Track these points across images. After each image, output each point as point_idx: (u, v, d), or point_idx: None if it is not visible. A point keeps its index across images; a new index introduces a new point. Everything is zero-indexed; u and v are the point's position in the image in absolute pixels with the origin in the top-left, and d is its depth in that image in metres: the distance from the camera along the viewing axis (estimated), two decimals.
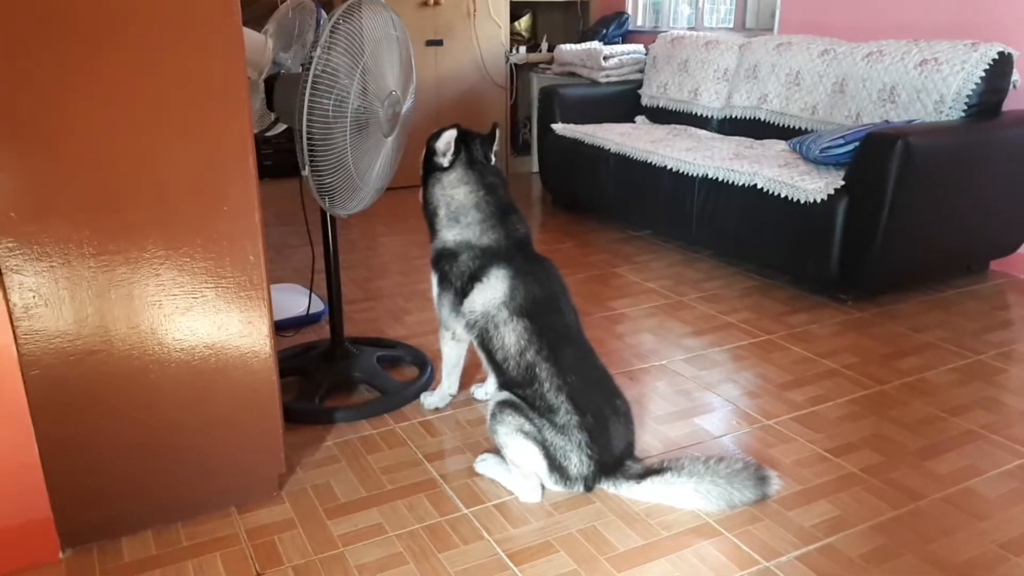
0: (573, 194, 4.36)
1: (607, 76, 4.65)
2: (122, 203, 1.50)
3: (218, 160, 1.56)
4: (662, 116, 4.43)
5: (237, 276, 1.64)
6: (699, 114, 4.21)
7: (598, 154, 3.98)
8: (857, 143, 2.88)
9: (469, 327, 1.95)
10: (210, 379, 1.68)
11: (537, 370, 1.82)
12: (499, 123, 2.13)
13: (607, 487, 1.84)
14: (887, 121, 3.15)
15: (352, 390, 2.33)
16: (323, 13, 2.39)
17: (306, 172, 1.94)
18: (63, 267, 1.48)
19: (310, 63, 1.90)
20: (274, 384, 1.75)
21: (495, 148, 2.04)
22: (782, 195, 3.04)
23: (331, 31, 1.92)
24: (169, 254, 1.57)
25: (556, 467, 1.80)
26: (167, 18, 1.45)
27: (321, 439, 2.09)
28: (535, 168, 5.08)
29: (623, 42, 5.02)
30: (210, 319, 1.64)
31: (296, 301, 2.86)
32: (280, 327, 2.72)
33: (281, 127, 2.40)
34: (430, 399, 2.23)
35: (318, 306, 2.83)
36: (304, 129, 1.92)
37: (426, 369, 2.39)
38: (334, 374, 2.30)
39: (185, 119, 1.52)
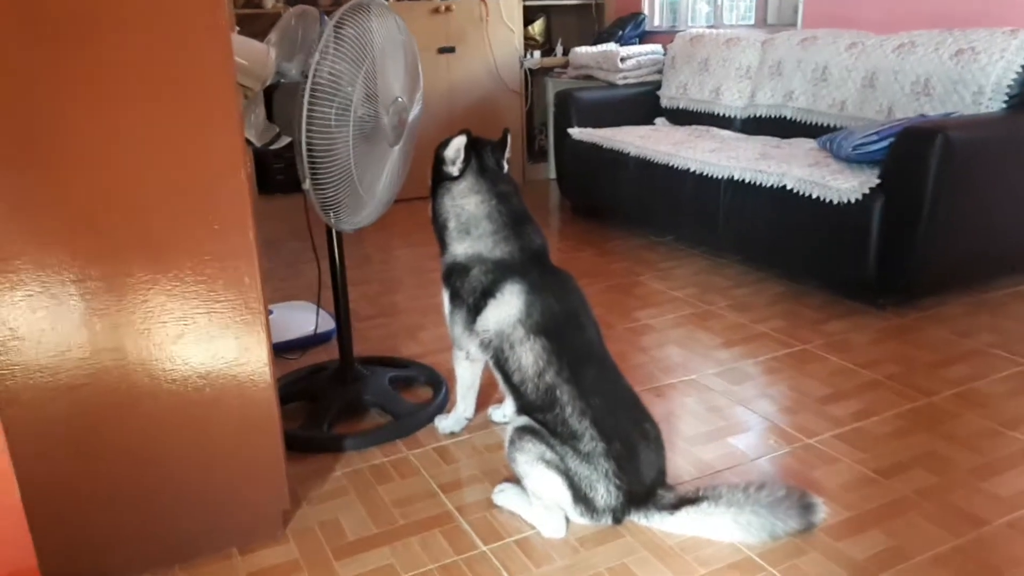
0: (592, 200, 4.22)
1: (624, 78, 4.51)
2: (103, 225, 1.39)
3: (206, 176, 1.44)
4: (683, 117, 4.27)
5: (231, 299, 1.52)
6: (721, 114, 4.06)
7: (617, 158, 3.84)
8: (892, 139, 2.72)
9: (483, 346, 1.82)
10: (206, 412, 1.56)
11: (558, 393, 1.68)
12: (511, 129, 2.01)
13: (637, 519, 1.69)
14: (923, 115, 2.98)
15: (363, 414, 2.20)
16: (327, 20, 2.28)
17: (307, 185, 1.82)
18: (41, 295, 1.37)
19: (309, 70, 1.78)
20: (275, 415, 1.63)
21: (507, 155, 1.91)
22: (813, 196, 2.88)
23: (331, 36, 1.80)
24: (156, 278, 1.45)
25: (581, 498, 1.65)
26: (147, 27, 1.34)
27: (329, 469, 1.96)
28: (552, 175, 4.95)
29: (640, 43, 4.87)
30: (203, 347, 1.52)
31: (306, 319, 2.74)
32: (288, 348, 2.61)
33: (286, 140, 2.29)
34: (445, 423, 2.10)
35: (328, 324, 2.71)
36: (304, 140, 1.80)
37: (441, 389, 2.26)
38: (343, 398, 2.17)
39: (169, 134, 1.40)
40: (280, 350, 2.59)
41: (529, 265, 1.80)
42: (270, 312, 2.75)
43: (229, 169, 1.46)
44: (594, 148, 4.01)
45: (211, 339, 1.52)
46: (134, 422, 1.50)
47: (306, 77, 1.79)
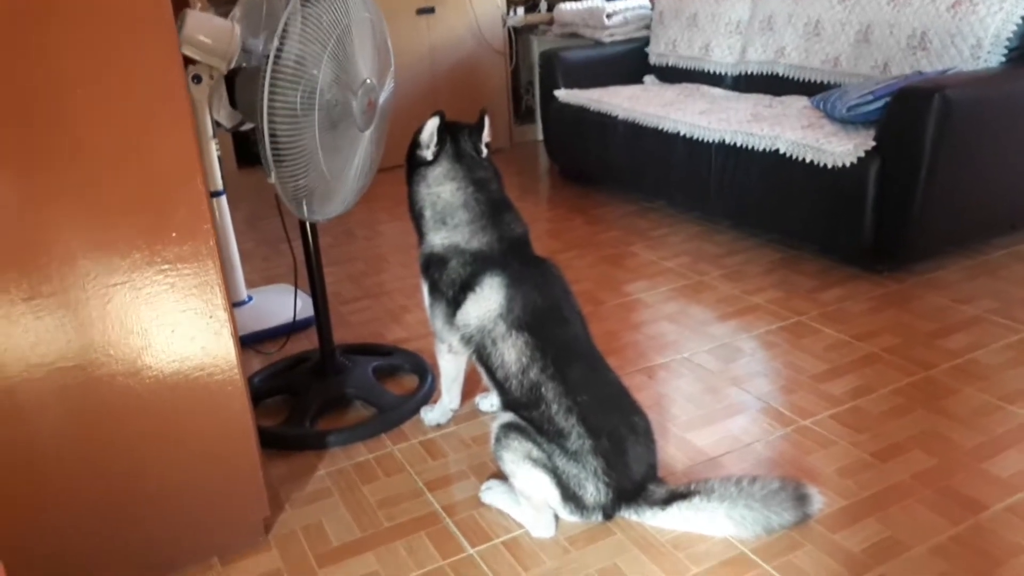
0: (581, 164, 4.10)
1: (611, 35, 4.36)
2: (52, 238, 1.30)
3: (158, 183, 1.36)
4: (672, 75, 4.14)
5: (194, 307, 1.45)
6: (712, 71, 3.93)
7: (605, 121, 3.72)
8: (888, 99, 2.62)
9: (465, 341, 1.75)
10: (177, 424, 1.50)
11: (543, 390, 1.62)
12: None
13: (628, 515, 1.64)
14: (919, 72, 2.87)
15: (346, 407, 2.14)
16: None
17: (272, 179, 1.73)
18: None
19: (270, 53, 1.68)
20: (249, 424, 1.57)
21: (486, 139, 1.82)
22: (807, 159, 2.78)
23: (290, 16, 1.69)
24: (113, 291, 1.37)
25: (570, 496, 1.60)
26: (81, 28, 1.24)
27: (313, 468, 1.91)
28: (541, 136, 4.82)
29: None
30: (169, 359, 1.45)
31: (288, 304, 2.66)
32: (269, 336, 2.54)
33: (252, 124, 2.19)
34: (431, 415, 2.04)
35: (311, 309, 2.64)
36: (267, 128, 1.70)
37: (426, 378, 2.20)
38: (325, 391, 2.11)
39: (114, 140, 1.31)
40: (260, 339, 2.52)
41: (509, 256, 1.73)
42: (249, 299, 2.68)
43: (183, 174, 1.37)
44: (581, 111, 3.89)
45: (177, 350, 1.45)
46: (102, 438, 1.44)
47: (268, 59, 1.69)
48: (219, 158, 2.54)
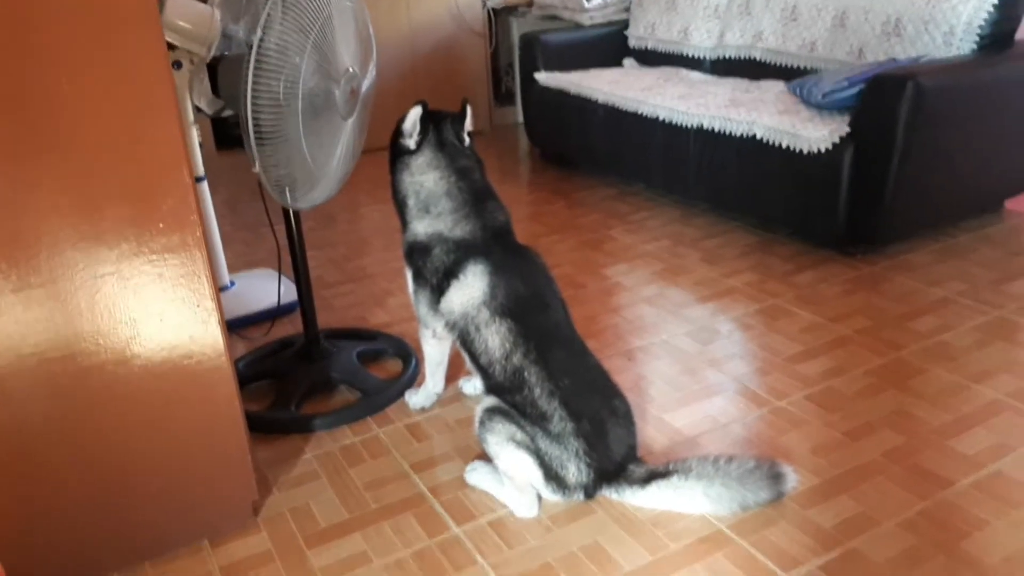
0: (561, 147, 4.13)
1: (591, 18, 4.37)
2: (40, 230, 1.32)
3: (145, 173, 1.37)
4: (651, 58, 4.17)
5: (181, 296, 1.47)
6: (690, 55, 3.96)
7: (585, 105, 3.74)
8: (862, 86, 2.66)
9: (449, 327, 1.79)
10: (165, 409, 1.52)
11: (526, 375, 1.66)
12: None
13: (609, 494, 1.69)
14: (893, 59, 2.92)
15: (332, 391, 2.17)
16: None
17: (256, 168, 1.74)
18: None
19: (253, 43, 1.69)
20: (237, 410, 1.59)
21: (469, 127, 1.84)
22: (783, 145, 2.83)
23: (271, 6, 1.69)
24: (102, 281, 1.39)
25: (553, 477, 1.65)
26: (68, 16, 1.25)
27: (299, 451, 1.94)
28: (520, 118, 4.84)
29: None
30: (159, 347, 1.47)
31: (270, 289, 2.68)
32: (253, 321, 2.55)
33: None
34: (415, 399, 2.08)
35: (294, 294, 2.66)
36: (250, 117, 1.71)
37: (410, 362, 2.23)
38: (311, 375, 2.14)
39: (101, 130, 1.32)
40: (245, 324, 2.54)
41: (492, 244, 1.76)
42: (232, 284, 2.70)
43: (170, 165, 1.39)
44: (561, 94, 3.91)
45: (165, 339, 1.47)
46: (92, 426, 1.46)
47: (251, 48, 1.69)
48: (200, 144, 2.54)
